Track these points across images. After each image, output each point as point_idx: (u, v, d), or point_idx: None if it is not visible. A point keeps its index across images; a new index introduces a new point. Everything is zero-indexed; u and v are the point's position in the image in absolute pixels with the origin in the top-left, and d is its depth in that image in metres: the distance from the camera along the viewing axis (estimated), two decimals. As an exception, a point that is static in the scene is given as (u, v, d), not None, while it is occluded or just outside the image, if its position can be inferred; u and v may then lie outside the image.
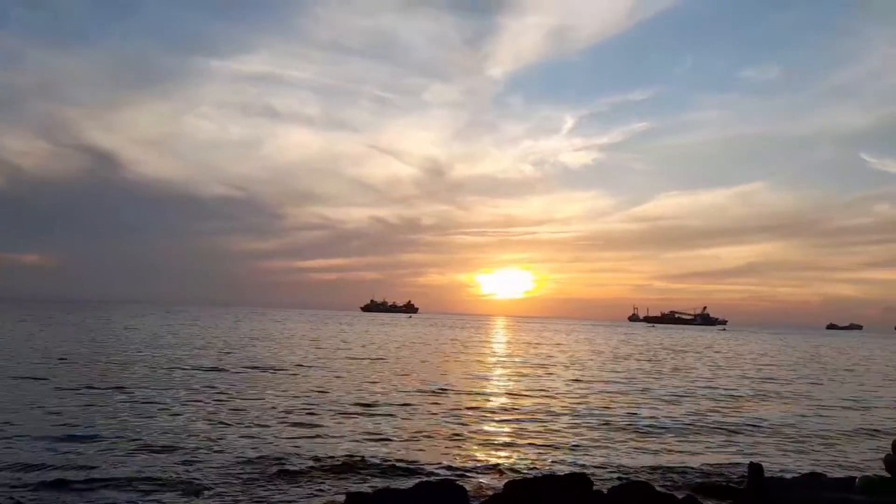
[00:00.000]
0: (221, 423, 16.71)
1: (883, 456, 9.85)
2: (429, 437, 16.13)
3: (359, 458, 13.31)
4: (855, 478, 10.03)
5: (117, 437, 14.39)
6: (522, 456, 14.39)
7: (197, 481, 11.22)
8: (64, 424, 15.47)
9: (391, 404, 21.08)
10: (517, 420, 19.13)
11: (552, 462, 13.87)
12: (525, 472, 12.67)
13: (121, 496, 10.24)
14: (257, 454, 13.34)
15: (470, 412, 20.28)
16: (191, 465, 12.31)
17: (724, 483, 12.26)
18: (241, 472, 12.00)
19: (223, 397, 20.97)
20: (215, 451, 13.46)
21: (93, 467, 11.80)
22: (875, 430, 19.61)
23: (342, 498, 9.33)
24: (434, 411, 20.09)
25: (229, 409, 18.71)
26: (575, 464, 13.62)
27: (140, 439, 14.28)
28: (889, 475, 9.14)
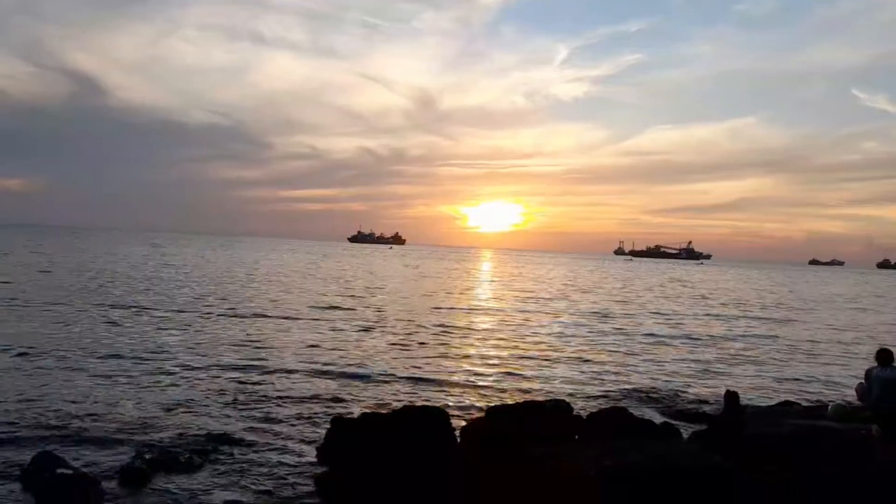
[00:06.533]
0: (195, 349, 16.84)
1: (855, 385, 10.07)
2: (410, 365, 16.34)
3: (342, 383, 13.50)
4: (827, 405, 10.28)
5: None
6: (503, 382, 14.65)
7: (181, 401, 11.33)
8: None
9: (370, 330, 21.30)
10: (496, 349, 19.42)
11: (531, 387, 14.14)
12: (505, 397, 12.90)
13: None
14: (236, 379, 13.48)
15: (448, 342, 20.54)
16: (178, 386, 12.43)
17: (699, 409, 12.58)
18: (222, 392, 12.14)
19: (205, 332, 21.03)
20: (191, 375, 13.58)
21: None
22: (846, 360, 20.14)
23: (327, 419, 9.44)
24: (412, 339, 20.32)
25: (205, 341, 18.80)
26: (553, 385, 13.92)
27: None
28: (860, 403, 9.35)
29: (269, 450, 9.27)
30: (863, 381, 9.28)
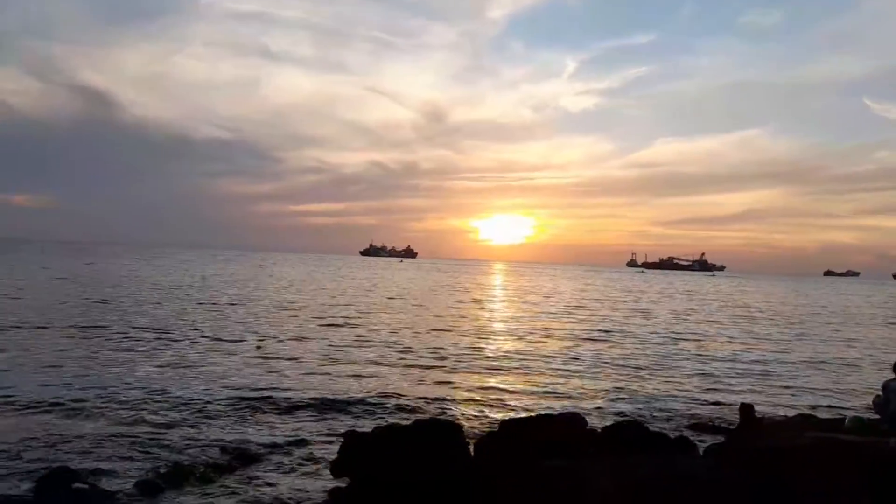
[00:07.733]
0: (207, 365, 16.92)
1: (872, 398, 9.97)
2: (423, 379, 16.33)
3: (354, 398, 13.51)
4: (844, 418, 10.18)
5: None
6: (516, 396, 14.60)
7: (195, 417, 11.39)
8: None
9: (381, 345, 21.31)
10: (508, 362, 19.37)
11: (544, 401, 14.08)
12: (519, 411, 12.85)
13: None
14: (249, 390, 13.53)
15: (460, 355, 20.51)
16: (192, 402, 12.50)
17: (714, 423, 12.47)
18: (235, 406, 12.18)
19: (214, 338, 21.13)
20: (204, 391, 13.65)
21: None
22: (863, 372, 19.90)
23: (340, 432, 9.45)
24: (425, 354, 20.31)
25: (215, 350, 18.91)
26: (567, 399, 13.85)
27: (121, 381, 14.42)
28: (878, 416, 9.26)
29: (283, 464, 9.30)
30: (880, 393, 9.19)
